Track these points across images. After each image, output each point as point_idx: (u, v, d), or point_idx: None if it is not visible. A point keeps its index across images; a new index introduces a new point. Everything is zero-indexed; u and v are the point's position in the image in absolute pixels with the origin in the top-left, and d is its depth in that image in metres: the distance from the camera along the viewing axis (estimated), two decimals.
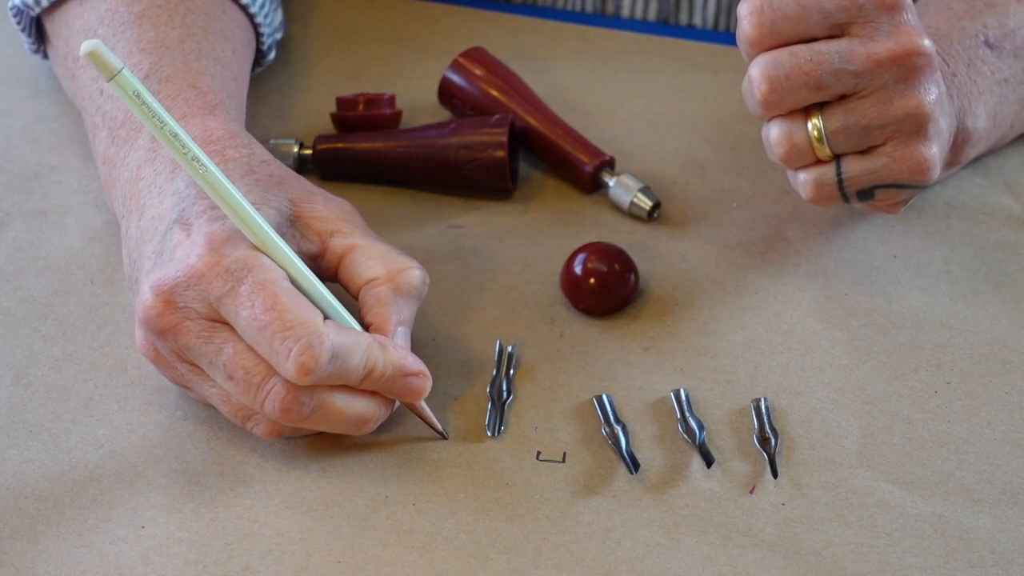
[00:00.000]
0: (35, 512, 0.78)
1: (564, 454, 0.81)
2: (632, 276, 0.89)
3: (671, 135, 1.00)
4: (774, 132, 0.83)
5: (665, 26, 1.10)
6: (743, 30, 0.81)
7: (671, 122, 1.01)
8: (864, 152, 0.83)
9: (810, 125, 0.82)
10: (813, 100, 0.81)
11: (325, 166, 0.96)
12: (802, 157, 0.83)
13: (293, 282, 0.77)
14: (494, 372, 0.85)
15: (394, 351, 0.78)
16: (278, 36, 1.01)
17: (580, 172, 0.95)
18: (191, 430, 0.82)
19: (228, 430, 0.82)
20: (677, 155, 0.99)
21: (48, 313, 0.87)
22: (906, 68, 0.80)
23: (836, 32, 0.81)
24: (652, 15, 1.09)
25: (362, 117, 0.97)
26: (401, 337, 0.80)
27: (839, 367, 0.86)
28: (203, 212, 0.78)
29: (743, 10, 0.81)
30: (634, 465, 0.80)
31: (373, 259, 0.81)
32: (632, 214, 0.94)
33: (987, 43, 0.89)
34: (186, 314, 0.76)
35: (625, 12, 1.09)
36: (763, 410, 0.83)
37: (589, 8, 1.10)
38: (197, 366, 0.78)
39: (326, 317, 0.77)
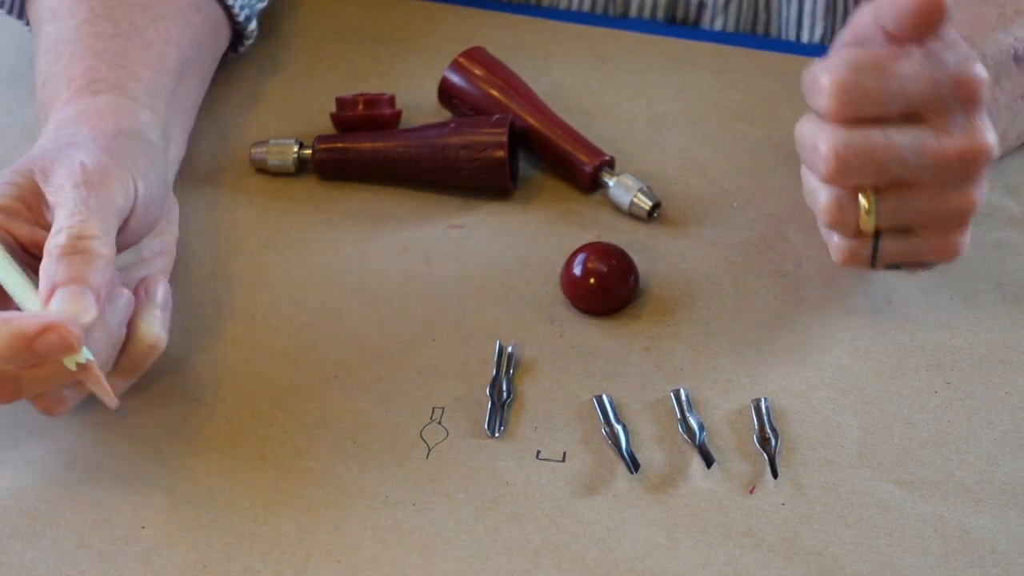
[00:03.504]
0: (35, 512, 0.78)
1: (564, 454, 0.81)
2: (632, 276, 0.88)
3: (671, 135, 1.00)
4: (825, 197, 0.82)
5: (666, 26, 1.10)
6: (821, 101, 0.80)
7: (671, 122, 1.01)
8: (903, 231, 0.82)
9: (862, 199, 0.81)
10: (874, 182, 0.81)
11: (325, 166, 0.96)
12: (847, 226, 0.82)
13: None
14: (494, 372, 0.85)
15: (9, 323, 0.74)
16: (260, 5, 1.01)
17: (580, 172, 0.95)
18: (191, 430, 0.82)
19: (228, 431, 0.82)
20: (677, 155, 0.99)
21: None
22: (970, 167, 0.80)
23: (910, 116, 0.80)
24: (660, 15, 1.09)
25: (362, 117, 0.97)
26: (58, 298, 0.76)
27: (839, 367, 0.86)
28: None
29: (824, 80, 0.79)
30: (634, 465, 0.80)
31: (51, 238, 0.78)
32: (632, 214, 0.94)
33: (1015, 57, 0.88)
34: None
35: (633, 11, 1.09)
36: (763, 410, 0.83)
37: (599, 8, 1.10)
38: None
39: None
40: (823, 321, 0.88)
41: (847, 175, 0.80)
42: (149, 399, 0.83)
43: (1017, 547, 0.77)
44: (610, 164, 0.96)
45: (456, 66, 0.99)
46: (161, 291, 0.81)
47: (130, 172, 0.82)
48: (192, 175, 0.96)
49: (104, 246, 0.77)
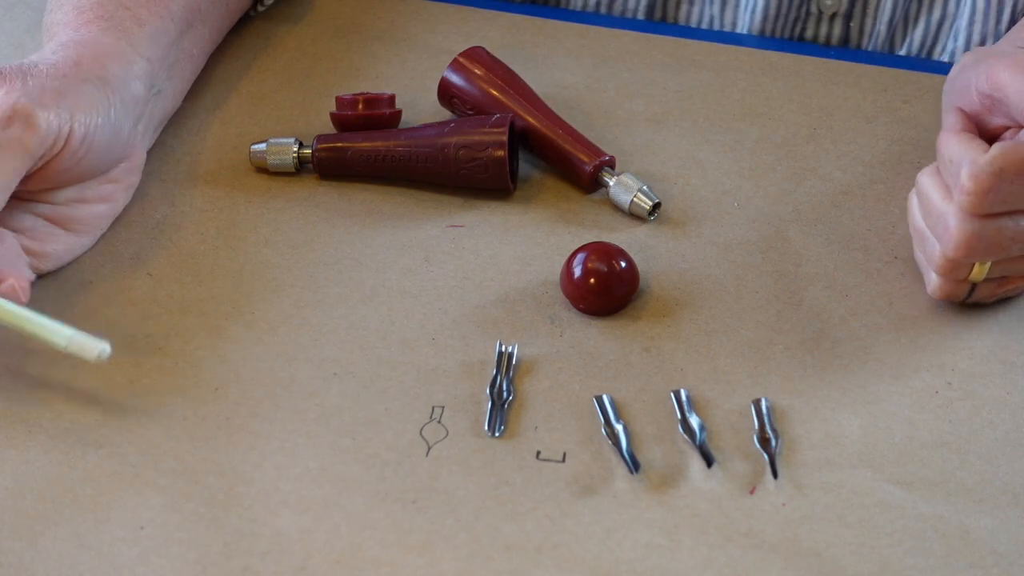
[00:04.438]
0: (34, 513, 0.78)
1: (564, 454, 0.81)
2: (632, 276, 0.88)
3: (671, 135, 1.00)
4: (942, 260, 0.85)
5: (667, 25, 1.10)
6: (961, 196, 0.82)
7: (671, 122, 1.01)
8: (1000, 278, 0.87)
9: (977, 265, 0.85)
10: (995, 260, 0.84)
11: (325, 166, 0.96)
12: (955, 278, 0.86)
13: None
14: (494, 372, 0.85)
15: None
16: None
17: (580, 172, 0.95)
18: (190, 430, 0.82)
19: (227, 430, 0.81)
20: (677, 155, 0.98)
21: (46, 312, 0.87)
22: None
23: None
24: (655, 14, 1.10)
25: (362, 117, 0.97)
26: None
27: (839, 367, 0.85)
28: None
29: (967, 181, 0.81)
30: (634, 465, 0.80)
31: None
32: (632, 214, 0.94)
33: None
34: None
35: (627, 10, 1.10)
36: (763, 410, 0.83)
37: (604, 8, 1.10)
38: None
39: None
40: (823, 321, 0.88)
41: (972, 257, 0.84)
42: (149, 398, 0.83)
43: (1018, 547, 0.77)
44: (610, 164, 0.96)
45: (456, 66, 0.99)
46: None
47: (71, 113, 0.84)
48: (192, 175, 0.96)
49: None
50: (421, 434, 0.82)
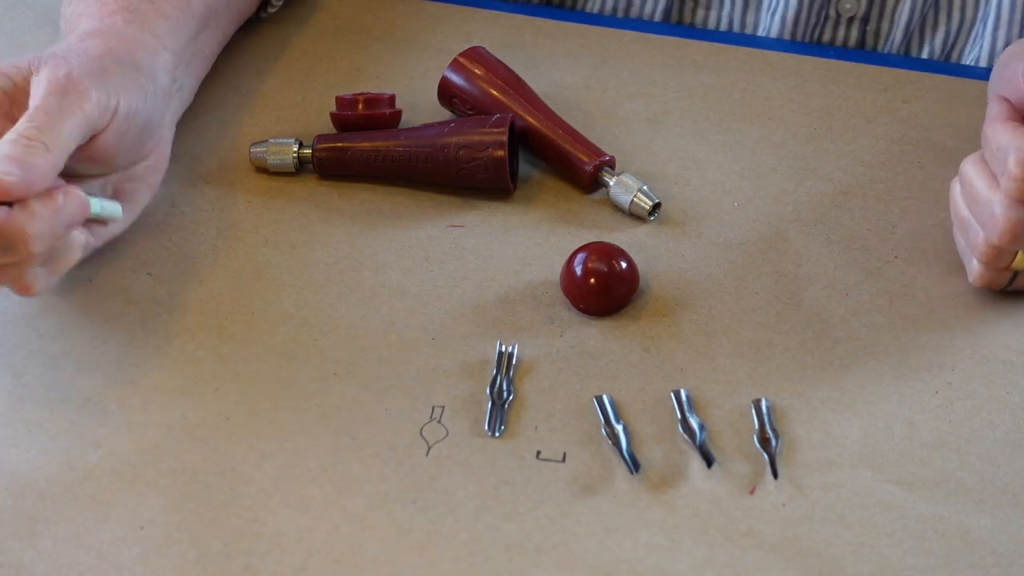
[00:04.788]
0: (34, 512, 0.78)
1: (564, 454, 0.81)
2: (632, 276, 0.88)
3: (671, 135, 1.00)
4: (985, 246, 0.86)
5: (667, 25, 1.10)
6: (1008, 183, 0.83)
7: (671, 122, 1.01)
8: None
9: (1020, 252, 0.86)
10: None
11: (325, 166, 0.96)
12: (998, 265, 0.86)
13: None
14: (494, 372, 0.85)
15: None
16: None
17: (580, 172, 0.95)
18: (190, 430, 0.82)
19: (227, 430, 0.81)
20: (677, 155, 0.98)
21: (47, 312, 0.87)
22: None
23: None
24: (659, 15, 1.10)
25: (362, 117, 0.97)
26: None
27: (840, 367, 0.85)
28: None
29: (1016, 171, 0.82)
30: (634, 465, 0.80)
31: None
32: (632, 214, 0.94)
33: None
34: None
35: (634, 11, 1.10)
36: (763, 410, 0.83)
37: (607, 9, 1.10)
38: None
39: None
40: (823, 321, 0.88)
41: (1017, 245, 0.84)
42: (149, 397, 0.83)
43: (1018, 548, 0.77)
44: (610, 164, 0.96)
45: (456, 66, 0.99)
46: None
47: (116, 91, 0.84)
48: (192, 175, 0.96)
49: (46, 155, 0.79)
50: (421, 434, 0.82)
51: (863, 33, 1.08)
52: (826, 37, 1.09)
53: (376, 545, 0.77)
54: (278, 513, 0.78)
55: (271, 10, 1.05)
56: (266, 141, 0.96)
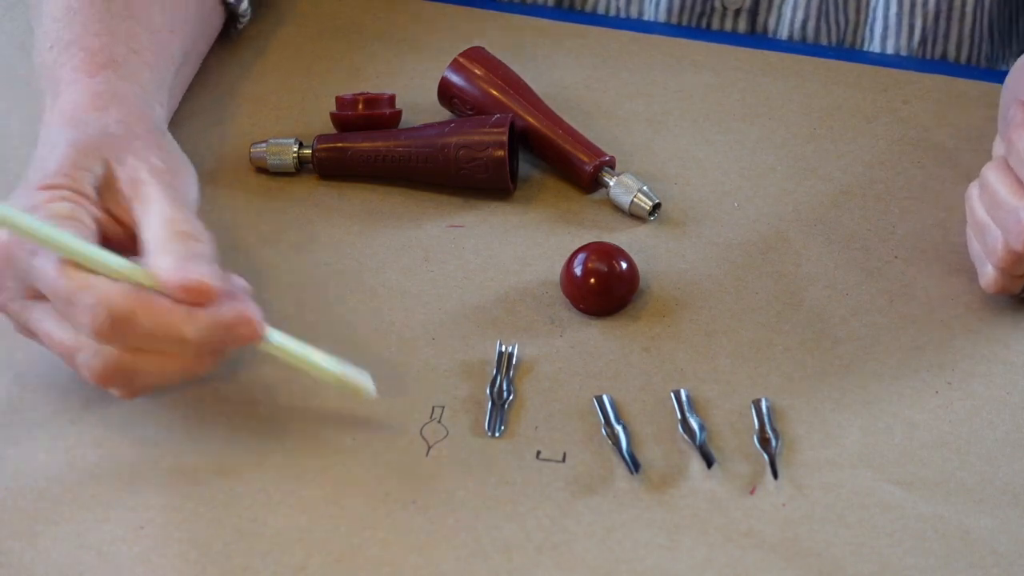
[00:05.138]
0: (34, 512, 0.78)
1: (564, 454, 0.81)
2: (632, 276, 0.88)
3: (671, 135, 1.00)
4: (1005, 251, 0.85)
5: (668, 26, 1.10)
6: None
7: (671, 122, 1.01)
8: None
9: None
10: None
11: (325, 166, 0.96)
12: (1015, 271, 0.86)
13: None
14: (494, 372, 0.85)
15: (204, 313, 0.76)
16: None
17: (580, 172, 0.95)
18: (190, 430, 0.82)
19: (227, 430, 0.81)
20: (677, 155, 0.98)
21: None
22: None
23: None
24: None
25: (362, 117, 0.97)
26: (202, 275, 0.78)
27: (840, 367, 0.85)
28: (23, 187, 0.80)
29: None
30: (634, 465, 0.80)
31: (152, 226, 0.79)
32: (632, 214, 0.94)
33: None
34: (8, 293, 0.79)
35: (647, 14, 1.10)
36: (763, 410, 0.83)
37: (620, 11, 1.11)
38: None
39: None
40: (823, 321, 0.88)
41: None
42: (148, 398, 0.83)
43: (1018, 548, 0.77)
44: (610, 164, 0.96)
45: (456, 66, 0.99)
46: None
47: (191, 166, 0.85)
48: None
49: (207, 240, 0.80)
50: (421, 434, 0.82)
51: (752, 25, 1.09)
52: (715, 26, 1.09)
53: (376, 545, 0.77)
54: (278, 513, 0.78)
55: (240, 26, 1.04)
56: (266, 141, 0.96)
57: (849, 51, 1.09)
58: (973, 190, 0.88)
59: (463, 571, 0.75)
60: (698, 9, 1.09)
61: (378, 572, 0.75)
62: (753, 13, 1.09)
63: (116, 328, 0.75)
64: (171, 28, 0.94)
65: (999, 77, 1.02)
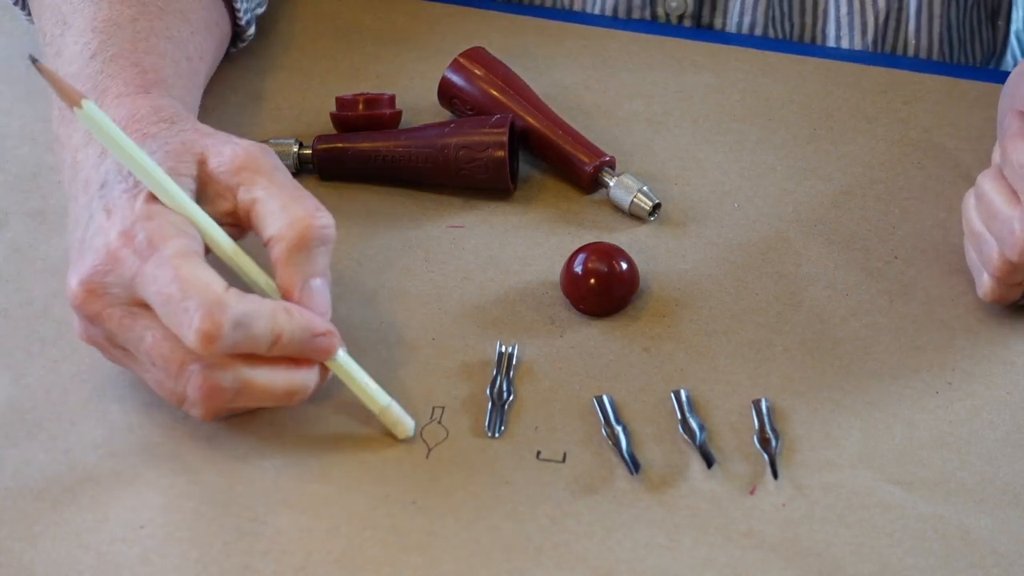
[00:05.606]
0: (34, 512, 0.78)
1: (564, 454, 0.81)
2: (632, 276, 0.88)
3: (671, 135, 1.00)
4: (1001, 262, 0.85)
5: (668, 26, 1.10)
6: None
7: (671, 122, 1.01)
8: None
9: None
10: None
11: (325, 166, 0.96)
12: (1012, 281, 0.86)
13: (212, 251, 0.78)
14: (494, 372, 0.85)
15: (300, 315, 0.78)
16: (259, 11, 1.03)
17: (580, 172, 0.95)
18: (190, 430, 0.81)
19: (227, 429, 0.81)
20: (677, 155, 0.98)
21: (47, 314, 0.87)
22: None
23: None
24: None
25: (362, 117, 0.97)
26: (315, 290, 0.79)
27: (840, 367, 0.85)
28: (123, 194, 0.78)
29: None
30: (634, 465, 0.80)
31: (273, 213, 0.79)
32: (632, 214, 0.94)
33: None
34: (108, 301, 0.77)
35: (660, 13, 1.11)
36: (763, 411, 0.83)
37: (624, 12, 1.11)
38: (129, 351, 0.79)
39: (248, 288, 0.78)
40: (823, 321, 0.88)
41: None
42: (148, 398, 0.83)
43: (1018, 548, 0.77)
44: (610, 164, 0.96)
45: (456, 66, 0.99)
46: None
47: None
48: None
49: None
50: (421, 435, 0.82)
51: (699, 27, 1.10)
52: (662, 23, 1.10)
53: (376, 545, 0.77)
54: (278, 513, 0.78)
55: (241, 45, 1.03)
56: (266, 141, 0.96)
57: (850, 51, 1.09)
58: (969, 200, 0.88)
59: (463, 571, 0.75)
60: (638, 15, 1.09)
61: (378, 572, 0.75)
62: (696, 17, 1.09)
63: (228, 333, 0.74)
64: (200, 56, 0.94)
65: (1000, 77, 1.02)
